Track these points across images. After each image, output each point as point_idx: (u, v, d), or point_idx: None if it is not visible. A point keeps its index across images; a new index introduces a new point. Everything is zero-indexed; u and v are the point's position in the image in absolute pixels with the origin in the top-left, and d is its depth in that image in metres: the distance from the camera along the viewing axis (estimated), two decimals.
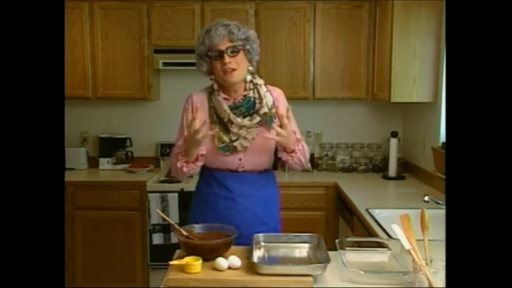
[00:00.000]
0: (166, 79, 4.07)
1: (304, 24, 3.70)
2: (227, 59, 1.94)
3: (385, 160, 3.81)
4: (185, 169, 2.00)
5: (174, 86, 4.05)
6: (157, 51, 3.69)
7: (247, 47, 1.99)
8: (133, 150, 4.04)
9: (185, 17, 3.68)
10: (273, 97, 2.08)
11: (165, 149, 3.95)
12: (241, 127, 2.00)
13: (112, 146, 4.01)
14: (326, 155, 4.01)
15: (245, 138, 2.00)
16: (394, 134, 3.63)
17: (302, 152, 2.04)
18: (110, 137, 4.01)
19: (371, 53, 3.69)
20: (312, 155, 3.98)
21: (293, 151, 2.00)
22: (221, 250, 1.73)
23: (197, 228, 1.88)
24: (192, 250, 1.72)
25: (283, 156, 2.03)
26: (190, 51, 3.69)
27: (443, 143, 3.08)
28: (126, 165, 3.96)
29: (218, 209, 2.06)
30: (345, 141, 4.05)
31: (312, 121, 4.05)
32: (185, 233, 1.80)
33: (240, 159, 2.04)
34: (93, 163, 4.04)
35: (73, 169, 3.91)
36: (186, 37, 3.66)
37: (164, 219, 2.00)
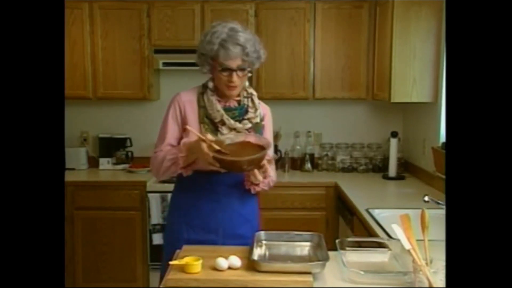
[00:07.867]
0: (166, 79, 4.07)
1: (304, 24, 3.70)
2: (235, 77, 1.94)
3: (385, 160, 3.81)
4: (180, 172, 1.97)
5: (174, 86, 4.03)
6: (157, 51, 3.69)
7: (256, 65, 2.00)
8: (133, 150, 4.04)
9: (185, 17, 3.69)
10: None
11: None
12: (231, 129, 1.99)
13: (112, 146, 4.01)
14: (326, 155, 4.01)
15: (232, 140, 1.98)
16: (394, 134, 3.63)
17: (267, 182, 2.05)
18: (110, 137, 4.01)
19: (371, 53, 3.69)
20: (312, 155, 3.99)
21: (257, 184, 2.01)
22: (255, 164, 1.80)
23: (228, 139, 1.91)
24: (228, 166, 1.79)
25: (247, 185, 2.03)
26: (190, 51, 3.70)
27: (443, 143, 3.08)
28: (126, 165, 3.96)
29: (204, 210, 2.03)
30: (345, 141, 4.06)
31: (312, 121, 4.05)
32: (217, 147, 1.80)
33: None
34: (93, 163, 4.04)
35: (73, 169, 3.91)
36: (186, 37, 3.67)
37: (196, 134, 1.88)
